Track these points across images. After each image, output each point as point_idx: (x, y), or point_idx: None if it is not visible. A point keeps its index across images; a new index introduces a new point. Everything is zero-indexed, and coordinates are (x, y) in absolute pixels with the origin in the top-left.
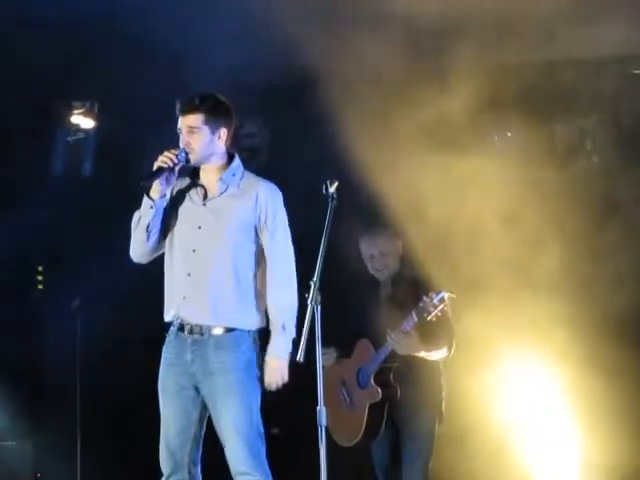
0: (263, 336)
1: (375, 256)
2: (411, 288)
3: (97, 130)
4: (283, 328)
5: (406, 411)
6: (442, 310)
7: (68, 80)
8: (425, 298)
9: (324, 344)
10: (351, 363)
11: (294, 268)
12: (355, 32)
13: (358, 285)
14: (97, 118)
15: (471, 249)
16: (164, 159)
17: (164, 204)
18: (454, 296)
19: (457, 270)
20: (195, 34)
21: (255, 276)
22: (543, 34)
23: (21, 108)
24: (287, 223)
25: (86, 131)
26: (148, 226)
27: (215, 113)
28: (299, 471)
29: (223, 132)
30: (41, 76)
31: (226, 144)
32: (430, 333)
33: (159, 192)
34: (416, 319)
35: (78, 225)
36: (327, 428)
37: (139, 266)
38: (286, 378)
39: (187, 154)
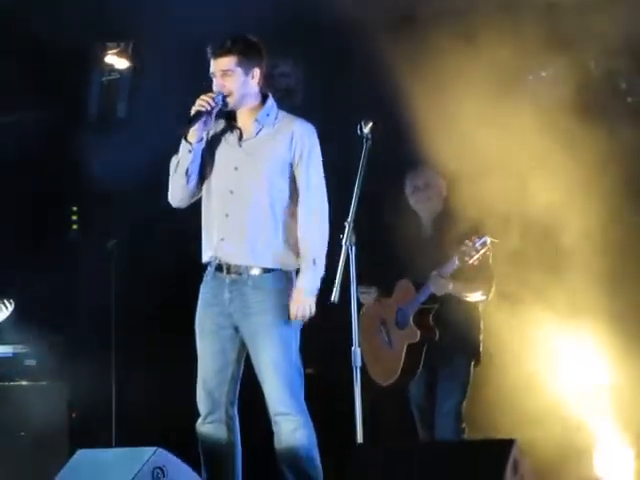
0: None
1: (419, 187)
2: (454, 230)
3: (132, 70)
4: (314, 263)
5: (443, 351)
6: (483, 255)
7: (102, 20)
8: (468, 242)
9: (365, 283)
10: (391, 303)
11: (326, 204)
12: None
13: (400, 225)
14: (131, 58)
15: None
16: (202, 103)
17: (202, 147)
18: (496, 241)
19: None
20: None
21: (293, 216)
22: None
23: (55, 49)
24: (321, 160)
25: (120, 71)
26: (187, 170)
27: (247, 54)
28: (335, 411)
29: (256, 72)
30: (75, 16)
31: (259, 84)
32: (471, 276)
33: (197, 136)
34: (458, 263)
35: (112, 166)
36: (364, 367)
37: (173, 207)
38: (313, 312)
39: (224, 97)
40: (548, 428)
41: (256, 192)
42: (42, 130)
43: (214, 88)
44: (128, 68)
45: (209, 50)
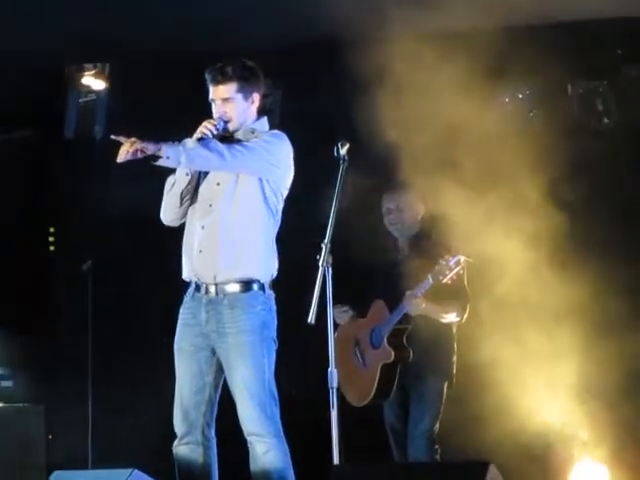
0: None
1: (392, 210)
2: (429, 251)
3: (109, 92)
4: (184, 144)
5: (416, 373)
6: (457, 273)
7: (79, 42)
8: (441, 261)
9: (339, 303)
10: (365, 323)
11: (249, 154)
12: None
13: (376, 246)
14: (108, 80)
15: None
16: (204, 130)
17: (198, 171)
18: (470, 260)
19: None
20: None
21: (265, 226)
22: None
23: (31, 71)
24: (275, 145)
25: (97, 93)
26: (182, 192)
27: (247, 79)
28: (311, 432)
29: (256, 97)
30: (51, 39)
31: (258, 109)
32: (444, 296)
33: None
34: (431, 282)
35: (90, 187)
36: (338, 388)
37: (152, 227)
38: (145, 150)
39: (226, 123)
40: (523, 448)
41: (230, 205)
42: (19, 151)
43: (214, 114)
44: (105, 89)
45: (208, 76)
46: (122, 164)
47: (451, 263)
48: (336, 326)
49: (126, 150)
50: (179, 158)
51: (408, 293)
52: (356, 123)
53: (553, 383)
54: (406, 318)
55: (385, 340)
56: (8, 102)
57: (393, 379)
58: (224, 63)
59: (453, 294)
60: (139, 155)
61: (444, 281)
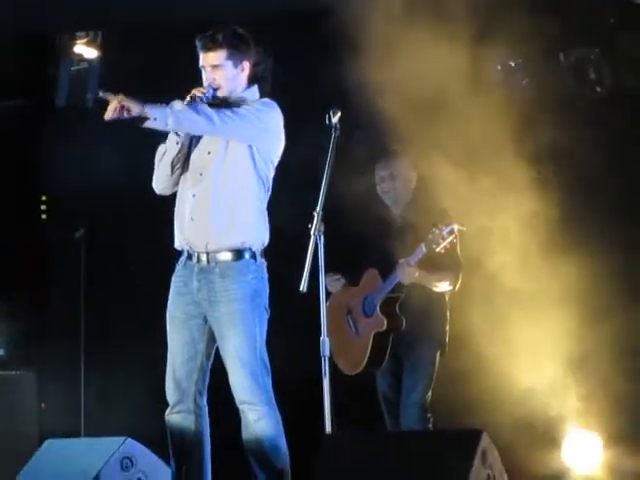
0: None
1: (385, 178)
2: (422, 219)
3: (100, 60)
4: (172, 106)
5: (409, 341)
6: (451, 242)
7: (70, 9)
8: (435, 229)
9: (332, 271)
10: (358, 291)
11: (239, 120)
12: None
13: (370, 214)
14: (100, 48)
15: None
16: (193, 97)
17: (189, 140)
18: (464, 229)
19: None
20: None
21: (255, 194)
22: None
23: (24, 39)
24: (265, 113)
25: (89, 61)
26: (173, 161)
27: (237, 47)
28: (303, 401)
29: (245, 65)
30: (43, 7)
31: (248, 76)
32: (437, 265)
33: None
34: (425, 250)
35: (82, 156)
36: (331, 357)
37: (144, 195)
38: (130, 110)
39: (215, 90)
40: (516, 417)
41: (220, 172)
42: (11, 119)
43: (204, 82)
44: (97, 58)
45: (198, 43)
46: (114, 130)
47: (444, 232)
48: (328, 294)
49: (113, 108)
50: (166, 120)
51: (401, 261)
52: (347, 90)
53: (548, 355)
54: (399, 287)
55: (378, 308)
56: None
57: (385, 348)
58: (214, 30)
59: (446, 263)
60: (125, 115)
61: (437, 250)
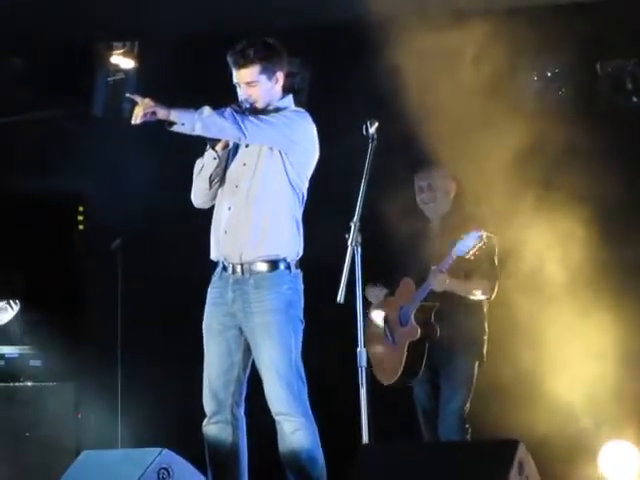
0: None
1: (424, 188)
2: (459, 228)
3: (137, 71)
4: (200, 112)
5: (445, 351)
6: (481, 250)
7: (107, 20)
8: (463, 236)
9: (371, 283)
10: (395, 301)
11: (266, 126)
12: None
13: (407, 224)
14: (137, 58)
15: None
16: None
17: (227, 154)
18: (492, 235)
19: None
20: None
21: (290, 204)
22: None
23: (62, 50)
24: (295, 122)
25: (126, 72)
26: (211, 175)
27: (269, 60)
28: (340, 411)
29: (279, 76)
30: (80, 15)
31: (283, 86)
32: (470, 273)
33: (223, 143)
34: (454, 257)
35: (119, 166)
36: (368, 367)
37: (181, 206)
38: (156, 114)
39: (251, 104)
40: (553, 427)
41: (254, 185)
42: (48, 130)
43: (239, 97)
44: (133, 68)
45: (230, 59)
46: (151, 140)
47: (472, 238)
48: (367, 305)
49: (139, 111)
50: (194, 125)
51: (433, 268)
52: (385, 101)
53: (584, 365)
54: (433, 295)
55: (412, 317)
56: (38, 81)
57: (421, 357)
58: (244, 45)
59: (480, 271)
60: (151, 118)
61: (467, 256)
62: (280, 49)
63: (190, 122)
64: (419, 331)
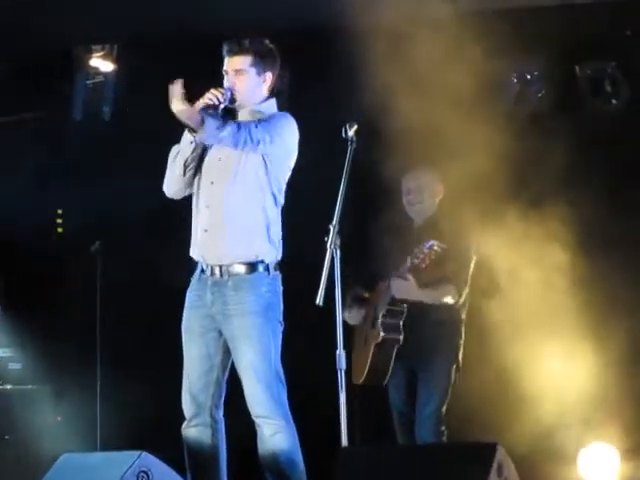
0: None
1: (412, 190)
2: (441, 231)
3: (116, 73)
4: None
5: (423, 355)
6: (429, 258)
7: (86, 23)
8: (420, 244)
9: (357, 285)
10: (372, 300)
11: (259, 130)
12: None
13: (391, 227)
14: (116, 61)
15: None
16: (210, 96)
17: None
18: (444, 247)
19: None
20: None
21: (268, 206)
22: None
23: (40, 53)
24: (284, 130)
25: (105, 74)
26: (186, 161)
27: (263, 56)
28: (319, 414)
29: (268, 77)
30: (59, 19)
31: (269, 90)
32: (426, 279)
33: None
34: (409, 264)
35: (97, 168)
36: (347, 370)
37: (159, 208)
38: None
39: (232, 94)
40: (532, 430)
41: (230, 183)
42: (27, 132)
43: (224, 85)
44: (113, 71)
45: (224, 48)
46: (130, 143)
47: (425, 248)
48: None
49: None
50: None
51: (393, 274)
52: (364, 104)
53: (563, 368)
54: (397, 300)
55: (379, 320)
56: (18, 84)
57: (387, 361)
58: (243, 38)
59: (433, 277)
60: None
61: (421, 265)
62: (276, 53)
63: (212, 139)
64: (381, 335)
